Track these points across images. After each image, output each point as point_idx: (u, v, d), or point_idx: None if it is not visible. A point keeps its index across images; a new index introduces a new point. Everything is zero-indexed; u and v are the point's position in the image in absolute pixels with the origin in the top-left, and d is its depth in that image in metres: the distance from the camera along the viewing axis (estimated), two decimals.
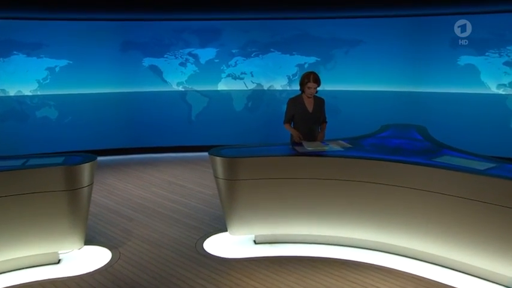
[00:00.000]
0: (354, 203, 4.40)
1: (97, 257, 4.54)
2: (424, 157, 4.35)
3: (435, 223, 4.05)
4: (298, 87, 5.12)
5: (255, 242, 4.82)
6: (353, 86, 8.57)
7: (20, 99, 8.22)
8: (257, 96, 8.97)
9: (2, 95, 8.10)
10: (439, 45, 8.01)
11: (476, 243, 3.84)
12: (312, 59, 8.68)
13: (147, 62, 8.76)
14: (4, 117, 8.16)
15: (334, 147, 4.73)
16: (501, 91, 7.71)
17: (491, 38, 7.63)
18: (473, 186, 3.76)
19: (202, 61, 8.85)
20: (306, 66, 8.67)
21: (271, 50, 8.80)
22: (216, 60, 8.85)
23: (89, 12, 7.94)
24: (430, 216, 4.06)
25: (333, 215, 4.52)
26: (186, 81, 8.90)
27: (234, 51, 8.84)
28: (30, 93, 8.26)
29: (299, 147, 4.72)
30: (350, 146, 4.79)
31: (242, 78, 8.93)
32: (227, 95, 8.96)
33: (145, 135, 8.92)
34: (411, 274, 4.16)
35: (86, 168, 4.16)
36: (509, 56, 7.57)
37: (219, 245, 4.80)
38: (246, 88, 8.96)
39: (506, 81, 7.66)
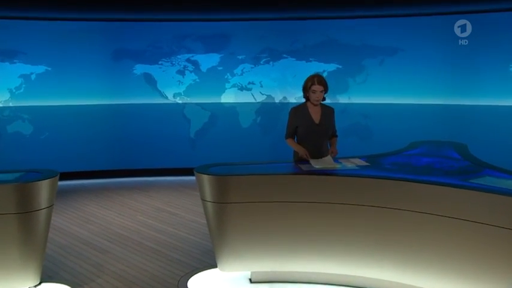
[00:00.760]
0: (372, 233, 4.19)
1: None
2: (459, 178, 4.14)
3: (473, 260, 3.77)
4: None
5: (251, 281, 4.66)
6: (386, 99, 8.46)
7: None
8: (268, 110, 8.85)
9: None
10: (493, 50, 7.80)
11: None
12: (332, 66, 8.58)
13: (138, 69, 8.76)
14: None
15: (347, 165, 4.59)
16: None
17: None
18: None
19: (203, 69, 8.83)
20: (325, 75, 8.52)
21: (284, 55, 8.71)
22: (220, 68, 8.81)
23: (71, 11, 8.00)
24: (468, 251, 3.79)
25: (347, 248, 4.32)
26: (184, 92, 8.88)
27: (240, 57, 8.80)
28: (0, 105, 8.26)
29: (304, 165, 4.59)
30: (367, 164, 4.63)
31: (250, 89, 8.87)
32: (232, 109, 8.90)
33: (136, 155, 8.88)
34: None
35: (43, 186, 4.02)
36: None
37: (206, 284, 4.65)
38: (254, 101, 8.90)
39: None
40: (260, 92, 8.89)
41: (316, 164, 4.53)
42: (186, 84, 8.86)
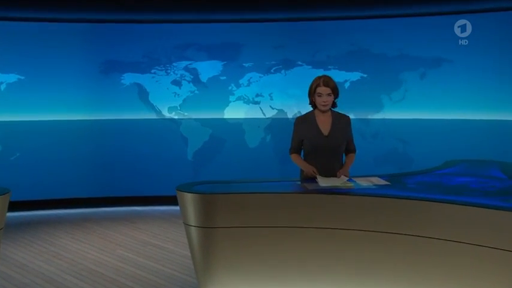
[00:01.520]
0: (387, 266, 4.06)
1: None
2: (501, 198, 4.02)
3: None
4: None
5: None
6: (427, 114, 8.40)
7: None
8: (279, 127, 8.78)
9: None
10: None
11: None
12: (355, 75, 8.50)
13: (127, 78, 8.78)
14: None
15: (362, 184, 4.48)
16: None
17: None
18: None
19: (203, 78, 8.82)
20: (346, 85, 8.46)
21: (299, 63, 8.65)
22: (223, 78, 8.80)
23: (48, 10, 8.02)
24: None
25: (358, 284, 4.19)
26: (180, 106, 8.88)
27: (247, 64, 8.77)
28: None
29: (310, 184, 4.50)
30: (387, 183, 4.52)
31: (258, 103, 8.84)
32: (237, 126, 8.86)
33: (123, 180, 8.84)
34: None
35: None
36: None
37: None
38: (263, 116, 8.86)
39: None
40: (270, 106, 8.84)
41: (324, 182, 4.44)
42: (183, 97, 8.85)
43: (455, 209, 3.76)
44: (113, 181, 8.82)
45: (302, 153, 4.98)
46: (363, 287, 4.17)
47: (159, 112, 8.85)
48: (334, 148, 4.82)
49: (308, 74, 8.49)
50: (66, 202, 8.57)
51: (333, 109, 4.89)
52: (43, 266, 6.02)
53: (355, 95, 8.31)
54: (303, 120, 4.89)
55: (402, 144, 8.44)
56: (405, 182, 4.63)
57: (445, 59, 8.22)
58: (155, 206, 8.74)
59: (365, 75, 8.50)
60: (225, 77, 8.78)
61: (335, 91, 4.74)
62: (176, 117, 8.86)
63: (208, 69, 8.78)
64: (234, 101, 8.83)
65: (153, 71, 8.78)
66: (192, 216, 4.28)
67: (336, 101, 4.83)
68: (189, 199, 4.27)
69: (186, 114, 8.85)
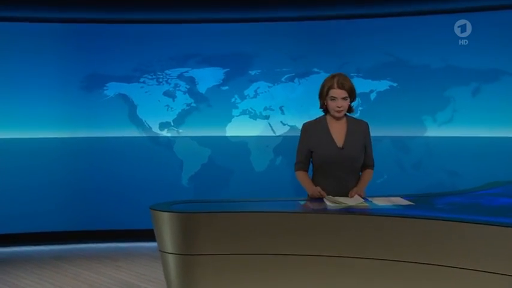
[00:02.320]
0: None
1: None
2: None
3: None
4: None
5: None
6: (475, 131, 8.35)
7: None
8: (291, 146, 8.59)
9: None
10: None
11: None
12: (384, 84, 8.45)
13: (112, 88, 8.82)
14: None
15: (378, 204, 4.41)
16: None
17: None
18: None
19: (202, 89, 8.85)
20: (372, 96, 8.45)
21: (315, 69, 8.61)
22: (224, 88, 8.82)
23: (22, 9, 8.09)
24: None
25: None
26: (174, 121, 8.90)
27: (253, 72, 8.78)
28: None
29: (315, 204, 4.46)
30: (411, 203, 4.45)
31: (267, 117, 8.84)
32: (241, 145, 8.86)
33: (104, 211, 8.84)
34: None
35: None
36: None
37: None
38: (273, 134, 8.86)
39: None
40: (281, 122, 8.83)
41: (332, 202, 4.38)
42: (177, 110, 8.87)
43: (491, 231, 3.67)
44: (92, 212, 8.80)
45: (310, 166, 4.91)
46: None
47: (148, 129, 8.86)
48: (351, 162, 4.74)
49: None
50: (34, 237, 8.55)
51: (348, 114, 4.81)
52: None
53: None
54: (312, 127, 4.82)
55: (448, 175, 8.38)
56: (433, 202, 4.59)
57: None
58: (142, 242, 8.68)
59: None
60: (226, 87, 8.81)
61: (352, 94, 4.64)
62: (169, 134, 8.87)
63: (207, 77, 8.82)
64: (237, 116, 8.84)
65: (141, 79, 8.82)
66: (169, 242, 4.29)
67: (352, 104, 4.74)
68: (165, 220, 4.26)
69: (180, 131, 8.86)
